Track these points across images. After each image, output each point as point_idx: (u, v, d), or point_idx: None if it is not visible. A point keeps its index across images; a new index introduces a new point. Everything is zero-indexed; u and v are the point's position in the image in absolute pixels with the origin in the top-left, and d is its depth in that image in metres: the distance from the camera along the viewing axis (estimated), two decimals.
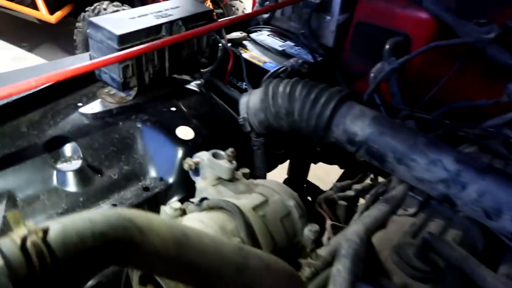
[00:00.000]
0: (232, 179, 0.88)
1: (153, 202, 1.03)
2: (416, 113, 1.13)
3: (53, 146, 1.02)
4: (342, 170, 1.73)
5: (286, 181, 1.77)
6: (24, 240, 0.35)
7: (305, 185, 1.76)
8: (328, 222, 0.92)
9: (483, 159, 0.86)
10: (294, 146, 1.49)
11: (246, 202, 0.80)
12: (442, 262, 0.72)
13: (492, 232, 0.82)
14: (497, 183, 0.76)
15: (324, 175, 2.16)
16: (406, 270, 0.68)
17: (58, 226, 0.38)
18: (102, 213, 0.42)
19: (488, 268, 0.64)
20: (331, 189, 1.17)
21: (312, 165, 1.75)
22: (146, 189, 1.02)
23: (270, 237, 0.79)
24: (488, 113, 1.24)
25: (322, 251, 0.75)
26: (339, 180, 1.60)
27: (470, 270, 0.63)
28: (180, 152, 1.05)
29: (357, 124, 0.90)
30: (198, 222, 0.71)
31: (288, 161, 1.81)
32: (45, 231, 0.37)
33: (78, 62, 0.99)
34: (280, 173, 1.67)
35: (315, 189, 1.72)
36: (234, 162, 0.87)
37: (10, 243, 0.34)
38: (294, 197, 0.87)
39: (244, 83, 1.40)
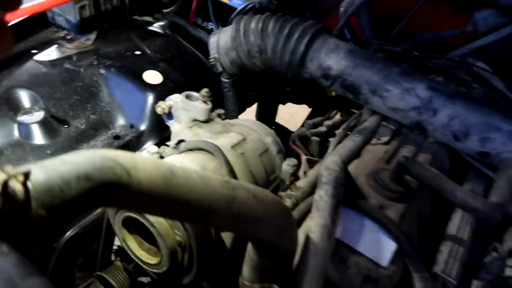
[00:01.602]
0: (208, 120, 0.88)
1: (125, 150, 1.01)
2: (385, 46, 1.14)
3: (10, 98, 0.96)
4: (306, 112, 1.75)
5: None
6: (4, 185, 0.33)
7: (273, 127, 1.79)
8: (303, 157, 0.95)
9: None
10: (263, 87, 1.49)
11: (224, 141, 0.81)
12: (415, 184, 0.77)
13: (457, 154, 0.89)
14: (466, 107, 0.80)
15: (289, 117, 2.19)
16: (382, 192, 0.72)
17: (40, 170, 0.36)
18: (84, 156, 0.39)
19: (457, 184, 0.70)
20: (302, 126, 1.19)
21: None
22: (116, 137, 1.00)
23: (250, 173, 0.81)
24: (454, 45, 1.28)
25: (301, 183, 0.78)
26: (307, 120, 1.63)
27: (441, 187, 0.68)
28: (150, 98, 1.02)
29: (332, 58, 0.90)
30: (178, 164, 0.71)
31: (256, 104, 1.81)
32: (27, 175, 0.34)
33: (26, 2, 0.91)
34: (248, 116, 1.67)
35: (283, 131, 1.75)
36: (209, 102, 0.86)
37: None
38: (271, 134, 0.88)
39: (211, 24, 1.35)
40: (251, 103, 1.65)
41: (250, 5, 1.23)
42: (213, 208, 0.51)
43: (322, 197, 0.64)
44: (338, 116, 1.32)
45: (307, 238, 0.62)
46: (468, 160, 0.86)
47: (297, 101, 1.72)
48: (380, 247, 0.66)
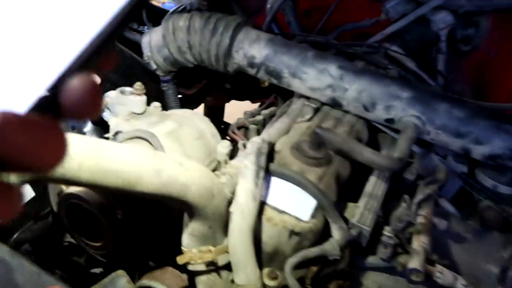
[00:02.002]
0: (144, 112, 0.94)
1: None
2: (308, 37, 1.26)
3: None
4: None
5: None
6: None
7: (222, 126, 1.87)
8: (240, 142, 1.03)
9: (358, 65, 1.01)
10: (205, 86, 1.57)
11: (160, 129, 0.88)
12: (333, 151, 0.88)
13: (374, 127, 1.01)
14: (371, 81, 0.92)
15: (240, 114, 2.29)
16: (302, 160, 0.82)
17: None
18: None
19: (365, 146, 0.81)
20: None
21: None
22: None
23: (187, 157, 0.89)
24: (374, 33, 1.42)
25: (234, 161, 0.87)
26: None
27: (350, 148, 0.79)
28: None
29: (254, 48, 1.00)
30: None
31: (202, 106, 1.89)
32: None
33: None
34: None
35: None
36: (143, 95, 0.93)
37: None
38: (205, 121, 0.96)
39: (146, 27, 1.42)
40: (196, 103, 1.72)
41: (182, 7, 1.31)
42: (142, 176, 0.59)
43: (246, 165, 0.73)
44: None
45: (234, 201, 0.71)
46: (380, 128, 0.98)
47: (240, 98, 1.81)
48: (301, 205, 0.75)
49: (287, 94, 1.46)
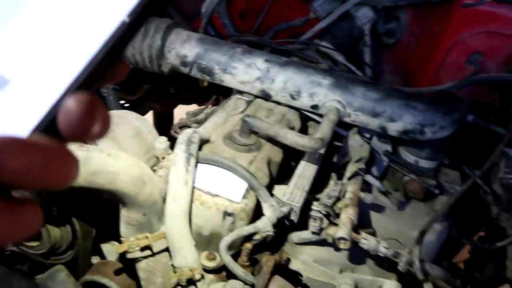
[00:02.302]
0: None
1: None
2: (242, 37, 1.33)
3: None
4: None
5: None
6: None
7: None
8: None
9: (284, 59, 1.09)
10: (148, 91, 1.60)
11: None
12: (264, 138, 0.94)
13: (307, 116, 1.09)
14: (295, 71, 1.00)
15: None
16: (233, 147, 0.88)
17: None
18: None
19: (289, 130, 0.88)
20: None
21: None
22: None
23: None
24: (304, 31, 1.52)
25: (171, 156, 0.91)
26: None
27: (276, 133, 0.86)
28: None
29: (186, 47, 1.05)
30: None
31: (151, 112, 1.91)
32: None
33: None
34: None
35: None
36: None
37: None
38: (141, 118, 1.00)
39: None
40: (142, 109, 1.74)
41: None
42: None
43: (177, 153, 0.78)
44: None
45: (167, 186, 0.75)
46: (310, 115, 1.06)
47: (187, 102, 1.85)
48: (233, 188, 0.81)
49: (228, 94, 1.52)
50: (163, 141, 0.96)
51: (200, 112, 1.35)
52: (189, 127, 1.27)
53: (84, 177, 0.63)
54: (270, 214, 0.82)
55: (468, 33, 1.31)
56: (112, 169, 0.66)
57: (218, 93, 1.47)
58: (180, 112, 2.02)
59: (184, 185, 0.75)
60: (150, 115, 1.97)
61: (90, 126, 0.22)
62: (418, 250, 0.86)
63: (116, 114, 0.98)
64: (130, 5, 0.23)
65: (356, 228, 0.89)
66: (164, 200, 0.77)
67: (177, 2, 1.63)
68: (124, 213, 0.74)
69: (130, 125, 0.97)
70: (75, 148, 0.65)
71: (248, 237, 0.82)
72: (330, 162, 1.10)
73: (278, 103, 1.07)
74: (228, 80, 1.05)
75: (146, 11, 0.24)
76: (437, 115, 0.95)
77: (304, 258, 0.94)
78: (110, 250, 0.86)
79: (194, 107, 1.89)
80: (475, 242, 1.06)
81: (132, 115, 0.99)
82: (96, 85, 0.23)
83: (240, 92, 1.11)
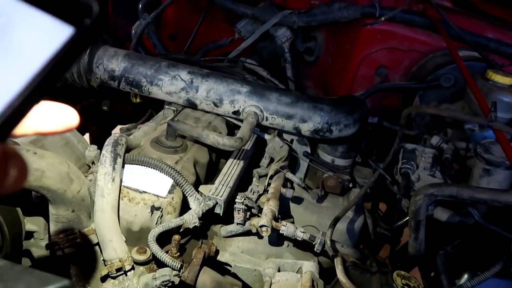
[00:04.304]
0: None
1: None
2: (170, 55, 1.45)
3: None
4: None
5: None
6: None
7: None
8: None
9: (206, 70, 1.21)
10: (81, 114, 1.64)
11: (23, 139, 0.95)
12: (191, 141, 1.04)
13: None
14: (216, 81, 1.13)
15: None
16: (161, 149, 0.97)
17: None
18: None
19: (211, 131, 1.00)
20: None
21: None
22: None
23: None
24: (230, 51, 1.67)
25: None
26: None
27: (198, 134, 0.97)
28: None
29: (113, 62, 1.14)
30: None
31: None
32: None
33: None
34: None
35: None
36: None
37: None
38: (72, 130, 1.06)
39: None
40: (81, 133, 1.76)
41: None
42: None
43: (103, 154, 0.85)
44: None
45: (94, 184, 0.82)
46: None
47: (123, 121, 1.90)
48: (159, 184, 0.90)
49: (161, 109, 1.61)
50: (93, 149, 1.02)
51: (134, 127, 1.43)
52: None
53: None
54: (195, 207, 0.91)
55: (373, 49, 1.54)
56: (38, 166, 0.73)
57: (152, 109, 1.55)
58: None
59: (111, 182, 0.83)
60: (87, 137, 1.99)
61: (2, 178, 0.21)
62: (330, 232, 0.99)
63: None
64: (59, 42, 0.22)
65: (277, 218, 1.00)
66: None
67: (108, 25, 1.72)
68: (52, 211, 0.80)
69: (60, 135, 1.02)
70: None
71: (177, 230, 0.90)
72: (258, 165, 1.22)
73: (205, 111, 1.18)
74: (155, 92, 1.15)
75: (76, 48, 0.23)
76: (341, 115, 1.12)
77: (232, 250, 1.03)
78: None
79: None
80: (380, 224, 1.22)
81: None
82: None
83: (169, 104, 1.21)
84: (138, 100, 1.42)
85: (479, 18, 1.47)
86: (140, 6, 1.55)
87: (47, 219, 0.85)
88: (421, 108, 1.19)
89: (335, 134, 1.14)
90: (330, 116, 1.11)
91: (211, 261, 0.99)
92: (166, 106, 1.19)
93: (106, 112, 1.61)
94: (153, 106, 1.58)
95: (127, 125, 1.46)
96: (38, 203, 0.85)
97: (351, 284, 0.83)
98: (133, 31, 1.56)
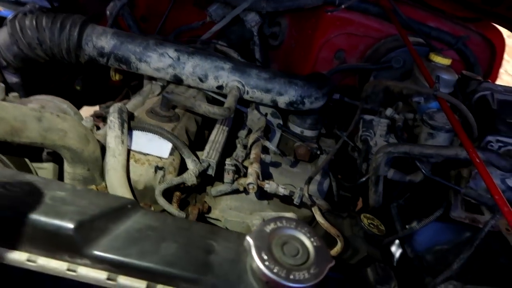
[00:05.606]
0: (4, 100, 1.07)
1: None
2: (148, 36, 1.54)
3: None
4: None
5: None
6: None
7: None
8: (100, 124, 1.23)
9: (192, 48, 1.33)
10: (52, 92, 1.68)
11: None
12: (181, 111, 1.17)
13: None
14: (201, 58, 1.26)
15: None
16: (156, 118, 1.09)
17: None
18: None
19: (203, 102, 1.13)
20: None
21: None
22: None
23: None
24: (202, 33, 1.78)
25: (100, 131, 1.08)
26: None
27: (192, 104, 1.10)
28: None
29: (102, 40, 1.23)
30: None
31: None
32: None
33: None
34: None
35: None
36: (2, 84, 1.06)
37: None
38: (66, 102, 1.14)
39: None
40: None
41: (21, 13, 1.43)
42: (26, 122, 0.77)
43: (111, 120, 0.96)
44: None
45: (107, 147, 0.93)
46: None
47: (91, 102, 1.95)
48: (161, 147, 1.02)
49: (134, 88, 1.70)
50: (89, 121, 1.11)
51: (112, 103, 1.51)
52: (104, 117, 1.42)
53: (40, 133, 0.78)
54: (193, 167, 1.04)
55: (333, 34, 1.74)
56: (62, 126, 0.82)
57: (128, 86, 1.64)
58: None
59: (121, 144, 0.94)
60: None
61: None
62: (306, 188, 1.17)
63: (42, 98, 1.11)
64: None
65: (259, 178, 1.16)
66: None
67: (78, 5, 1.76)
68: (69, 170, 0.89)
69: (57, 107, 1.10)
70: (30, 107, 0.80)
71: (177, 187, 1.03)
72: (236, 135, 1.37)
73: (189, 86, 1.30)
74: (143, 68, 1.25)
75: None
76: (312, 89, 1.30)
77: (221, 207, 1.18)
78: None
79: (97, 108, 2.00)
80: (343, 182, 1.42)
81: (57, 99, 1.13)
82: None
83: (154, 80, 1.32)
84: (117, 77, 1.50)
85: (422, 8, 1.72)
86: None
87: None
88: (382, 82, 1.39)
89: (307, 106, 1.31)
90: (303, 90, 1.28)
91: (204, 217, 1.13)
92: (154, 82, 1.30)
93: (79, 91, 1.67)
94: (129, 85, 1.66)
95: (106, 103, 1.54)
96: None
97: (329, 225, 1.02)
98: (108, 12, 1.62)
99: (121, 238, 0.52)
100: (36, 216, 0.49)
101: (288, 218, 0.56)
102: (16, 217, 0.49)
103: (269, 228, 0.54)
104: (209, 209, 1.15)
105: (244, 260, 0.53)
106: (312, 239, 0.54)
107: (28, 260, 0.48)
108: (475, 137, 1.18)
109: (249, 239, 0.52)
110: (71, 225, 0.49)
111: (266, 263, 0.49)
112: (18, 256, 0.47)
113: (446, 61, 1.39)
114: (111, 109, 1.00)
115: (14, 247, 0.48)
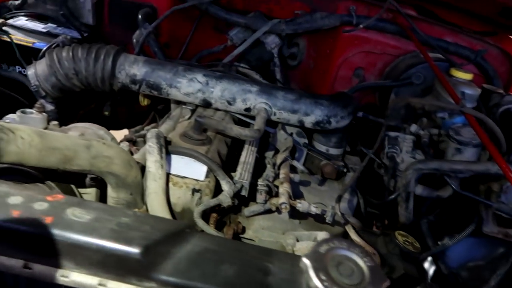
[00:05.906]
0: (46, 128, 1.12)
1: None
2: (173, 62, 1.60)
3: None
4: None
5: None
6: None
7: None
8: (133, 148, 1.28)
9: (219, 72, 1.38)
10: (82, 118, 1.74)
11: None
12: (213, 135, 1.21)
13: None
14: (229, 82, 1.30)
15: None
16: (190, 142, 1.13)
17: None
18: None
19: (234, 125, 1.16)
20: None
21: None
22: None
23: None
24: (223, 57, 1.84)
25: (136, 156, 1.12)
26: None
27: (224, 127, 1.14)
28: None
29: (134, 68, 1.28)
30: None
31: None
32: None
33: None
34: None
35: None
36: (44, 113, 1.11)
37: None
38: (103, 129, 1.19)
39: (17, 67, 1.55)
40: None
41: (54, 45, 1.51)
42: (77, 151, 0.81)
43: (150, 145, 1.00)
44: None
45: (147, 172, 0.96)
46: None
47: (116, 127, 2.01)
48: (197, 170, 1.05)
49: (161, 113, 1.75)
50: (125, 146, 1.15)
51: (141, 129, 1.56)
52: (135, 141, 1.47)
53: (88, 160, 0.82)
54: (228, 189, 1.07)
55: (351, 53, 1.77)
56: (108, 154, 0.86)
57: (155, 111, 1.69)
58: None
59: (161, 168, 0.97)
60: None
61: None
62: (338, 206, 1.19)
63: (81, 126, 1.16)
64: None
65: (291, 198, 1.18)
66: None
67: (104, 35, 1.83)
68: (113, 195, 0.93)
69: (95, 134, 1.15)
70: (78, 136, 0.84)
71: (212, 208, 1.06)
72: (264, 156, 1.40)
73: (217, 109, 1.34)
74: (174, 93, 1.30)
75: None
76: (338, 108, 1.33)
77: (254, 227, 1.20)
78: None
79: (124, 132, 2.06)
80: (371, 200, 1.43)
81: (94, 126, 1.18)
82: None
83: (183, 104, 1.36)
84: (145, 103, 1.55)
85: (438, 24, 1.76)
86: (140, 16, 1.69)
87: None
88: (407, 99, 1.41)
89: (333, 125, 1.34)
90: (329, 109, 1.32)
91: (238, 238, 1.15)
92: (184, 106, 1.34)
93: (107, 117, 1.73)
94: (157, 109, 1.72)
95: (135, 128, 1.59)
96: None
97: (364, 243, 1.03)
98: (135, 40, 1.69)
99: (183, 261, 0.54)
100: (106, 242, 0.52)
101: (340, 239, 0.58)
102: (87, 242, 0.52)
103: (323, 249, 0.56)
104: (243, 229, 1.17)
105: (300, 280, 0.55)
106: (365, 259, 0.56)
107: (100, 285, 0.51)
108: (504, 151, 1.19)
109: (305, 260, 0.54)
110: (138, 250, 0.52)
111: (325, 283, 0.52)
112: (91, 281, 0.50)
113: (467, 76, 1.42)
114: (149, 135, 1.04)
115: (86, 271, 0.51)
